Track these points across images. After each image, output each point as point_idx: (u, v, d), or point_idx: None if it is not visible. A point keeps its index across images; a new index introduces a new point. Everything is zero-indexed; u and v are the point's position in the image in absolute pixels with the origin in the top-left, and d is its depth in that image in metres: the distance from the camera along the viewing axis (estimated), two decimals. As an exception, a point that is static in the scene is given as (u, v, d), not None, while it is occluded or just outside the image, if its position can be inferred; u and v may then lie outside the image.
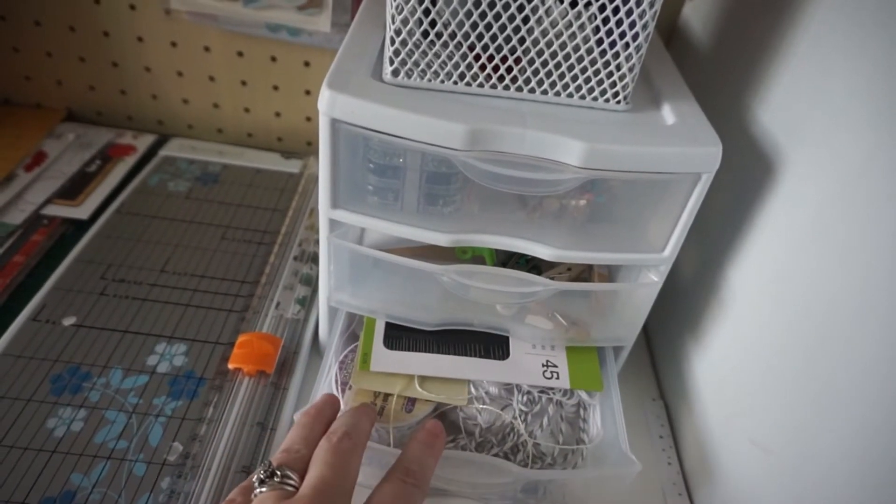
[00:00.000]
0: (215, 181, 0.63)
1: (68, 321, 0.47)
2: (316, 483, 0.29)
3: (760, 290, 0.40)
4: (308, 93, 0.66)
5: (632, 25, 0.36)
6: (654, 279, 0.41)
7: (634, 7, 0.35)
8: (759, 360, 0.39)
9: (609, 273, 0.46)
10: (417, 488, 0.32)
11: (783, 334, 0.37)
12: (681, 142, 0.36)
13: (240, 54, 0.63)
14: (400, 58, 0.37)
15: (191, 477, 0.38)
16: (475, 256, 0.46)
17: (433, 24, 0.36)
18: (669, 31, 0.59)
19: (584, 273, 0.46)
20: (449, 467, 0.39)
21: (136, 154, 0.66)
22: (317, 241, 0.57)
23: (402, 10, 0.35)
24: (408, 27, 0.36)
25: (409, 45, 0.36)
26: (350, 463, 0.31)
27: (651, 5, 0.35)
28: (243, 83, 0.66)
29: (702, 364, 0.45)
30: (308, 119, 0.68)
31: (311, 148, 0.70)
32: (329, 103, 0.35)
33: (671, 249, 0.39)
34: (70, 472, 0.38)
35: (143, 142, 0.67)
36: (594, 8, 0.36)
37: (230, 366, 0.45)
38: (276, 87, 0.66)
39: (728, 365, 0.42)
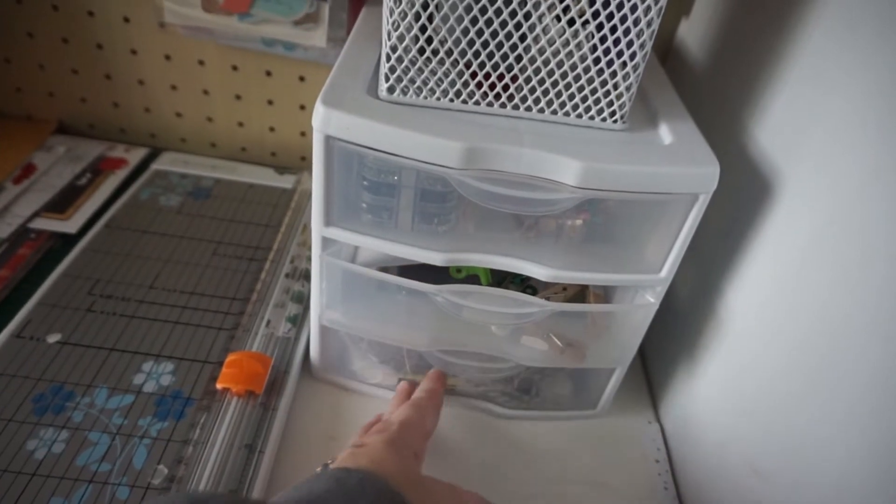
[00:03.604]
0: (207, 196, 0.62)
1: (53, 338, 0.46)
2: (401, 418, 0.37)
3: (758, 311, 0.39)
4: (303, 108, 0.65)
5: (629, 45, 0.35)
6: (651, 300, 0.41)
7: (632, 27, 0.35)
8: (757, 383, 0.38)
9: (605, 294, 0.46)
10: (430, 403, 0.40)
11: (782, 356, 0.36)
12: (678, 162, 0.36)
13: (234, 68, 0.63)
14: (395, 74, 0.36)
15: (175, 501, 0.37)
16: (469, 275, 0.45)
17: (429, 40, 0.36)
18: (665, 50, 0.59)
19: (579, 294, 0.45)
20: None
21: (127, 167, 0.65)
22: (309, 258, 0.56)
23: (399, 26, 0.35)
24: (404, 44, 0.35)
25: (405, 62, 0.36)
26: (427, 412, 0.40)
27: (648, 25, 0.35)
28: (237, 97, 0.65)
29: (699, 386, 0.45)
30: (302, 134, 0.67)
31: (305, 163, 0.70)
32: (323, 120, 0.34)
33: (668, 270, 0.39)
34: (50, 496, 0.37)
35: (136, 155, 0.67)
36: (591, 27, 0.35)
37: (218, 386, 0.44)
38: (270, 102, 0.65)
39: (726, 387, 0.41)
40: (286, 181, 0.66)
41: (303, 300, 0.52)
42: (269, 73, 0.63)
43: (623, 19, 0.35)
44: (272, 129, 0.68)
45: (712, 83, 0.49)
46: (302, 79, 0.63)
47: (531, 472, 0.45)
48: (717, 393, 0.43)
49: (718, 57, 0.50)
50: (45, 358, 0.44)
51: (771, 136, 0.40)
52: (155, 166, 0.65)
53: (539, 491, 0.44)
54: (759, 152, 0.41)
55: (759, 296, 0.39)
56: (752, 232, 0.40)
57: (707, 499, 0.42)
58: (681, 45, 0.57)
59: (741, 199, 0.41)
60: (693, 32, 0.55)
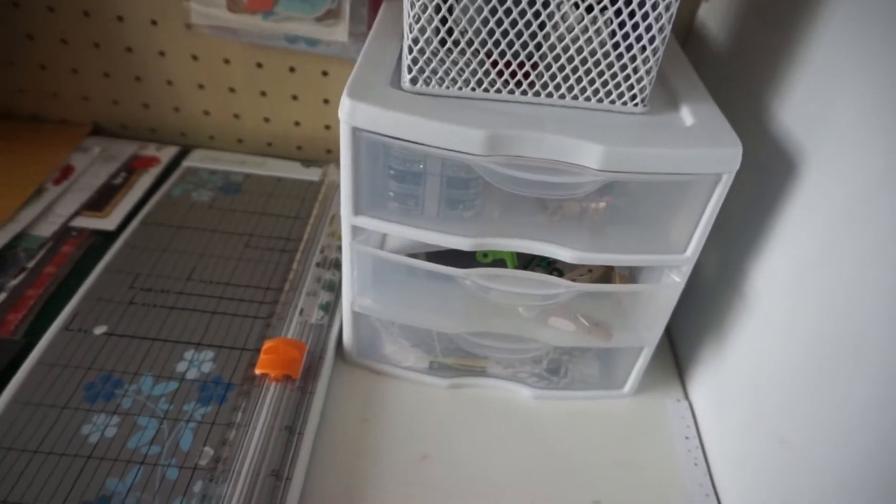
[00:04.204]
0: (237, 191, 0.64)
1: (99, 330, 0.48)
2: None
3: (783, 289, 0.39)
4: (326, 102, 0.67)
5: (648, 29, 0.36)
6: (676, 280, 0.41)
7: (650, 11, 0.35)
8: (784, 359, 0.39)
9: (630, 274, 0.46)
10: None
11: (807, 334, 0.36)
12: (700, 143, 0.36)
13: (259, 65, 0.64)
14: (418, 66, 0.37)
15: (222, 480, 0.39)
16: (496, 260, 0.46)
17: (450, 31, 0.37)
18: (686, 32, 0.59)
19: (605, 275, 0.46)
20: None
21: (159, 165, 0.67)
22: (338, 248, 0.57)
23: (420, 18, 0.36)
24: (425, 35, 0.36)
25: (427, 53, 0.37)
26: None
27: (667, 8, 0.35)
28: (263, 94, 0.67)
29: (726, 364, 0.45)
30: (327, 127, 0.69)
31: (330, 156, 0.71)
32: (349, 112, 0.36)
33: (693, 250, 0.40)
34: (105, 478, 0.39)
35: (167, 153, 0.69)
36: (610, 12, 0.36)
37: (257, 371, 0.45)
38: (294, 97, 0.67)
39: (753, 364, 0.42)
40: (313, 174, 0.67)
41: (334, 288, 0.53)
42: (292, 69, 0.64)
43: (641, 4, 0.35)
44: (297, 124, 0.69)
45: (733, 64, 0.49)
46: (325, 73, 0.64)
47: (561, 452, 0.46)
48: (744, 369, 0.43)
49: (739, 38, 0.50)
50: (93, 349, 0.47)
51: (794, 114, 0.40)
52: (186, 163, 0.67)
53: (570, 470, 0.45)
54: (783, 131, 0.41)
55: (784, 274, 0.40)
56: (777, 211, 0.40)
57: (737, 473, 0.42)
58: (701, 27, 0.57)
59: (764, 178, 0.42)
60: (713, 14, 0.55)
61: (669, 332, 0.55)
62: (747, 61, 0.47)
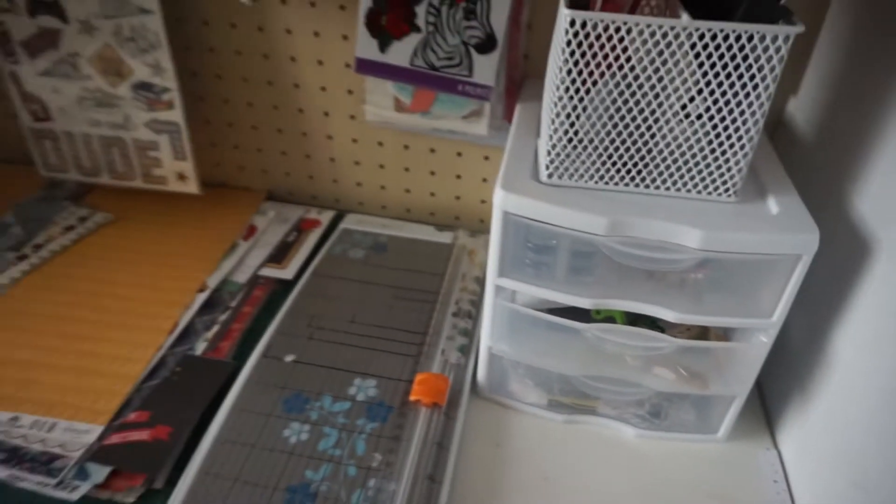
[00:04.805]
0: (384, 250, 0.77)
1: (289, 358, 0.62)
2: None
3: (861, 353, 0.46)
4: (459, 177, 0.80)
5: (739, 137, 0.46)
6: (764, 340, 0.49)
7: (741, 123, 0.45)
8: (860, 415, 0.45)
9: (724, 333, 0.55)
10: None
11: (881, 392, 0.43)
12: (783, 229, 0.45)
13: (406, 147, 0.79)
14: (553, 164, 0.49)
15: (390, 480, 0.50)
16: (607, 317, 0.56)
17: (580, 139, 0.48)
18: (775, 123, 0.67)
19: (702, 332, 0.54)
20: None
21: (321, 227, 0.82)
22: (470, 301, 0.69)
23: (557, 130, 0.48)
24: (561, 143, 0.48)
25: (560, 155, 0.48)
26: None
27: (755, 123, 0.45)
28: (406, 169, 0.81)
29: (811, 417, 0.52)
30: (457, 198, 0.82)
31: (458, 222, 0.84)
32: (502, 200, 0.47)
33: (778, 315, 0.48)
34: (304, 469, 0.51)
35: (326, 216, 0.84)
36: (708, 125, 0.46)
37: (411, 398, 0.57)
38: (432, 173, 0.80)
39: (834, 417, 0.49)
40: (445, 237, 0.80)
41: (467, 334, 0.65)
42: (432, 150, 0.78)
43: (733, 119, 0.45)
44: (432, 195, 0.83)
45: (818, 155, 0.58)
46: (459, 154, 0.78)
47: (659, 486, 0.54)
48: (826, 422, 0.50)
49: (823, 131, 0.58)
50: (285, 372, 0.60)
51: (870, 204, 0.48)
52: (342, 226, 0.81)
53: (667, 502, 0.52)
54: (859, 218, 0.48)
55: (863, 339, 0.47)
56: (855, 285, 0.48)
57: (820, 512, 0.49)
58: (790, 120, 0.65)
59: (844, 256, 0.49)
60: (800, 108, 0.63)
61: (760, 387, 0.62)
62: (830, 153, 0.55)
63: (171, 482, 0.51)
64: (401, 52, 0.62)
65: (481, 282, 0.72)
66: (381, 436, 0.54)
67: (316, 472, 0.51)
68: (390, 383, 0.59)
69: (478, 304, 0.69)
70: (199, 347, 0.64)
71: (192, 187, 0.79)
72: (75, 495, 0.50)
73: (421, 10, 0.60)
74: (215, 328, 0.66)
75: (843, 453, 0.47)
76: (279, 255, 0.77)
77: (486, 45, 0.61)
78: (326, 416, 0.56)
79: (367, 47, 0.63)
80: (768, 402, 0.60)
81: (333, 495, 0.50)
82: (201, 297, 0.69)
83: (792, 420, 0.55)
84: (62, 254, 0.74)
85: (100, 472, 0.52)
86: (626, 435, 0.57)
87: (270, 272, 0.74)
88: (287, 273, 0.74)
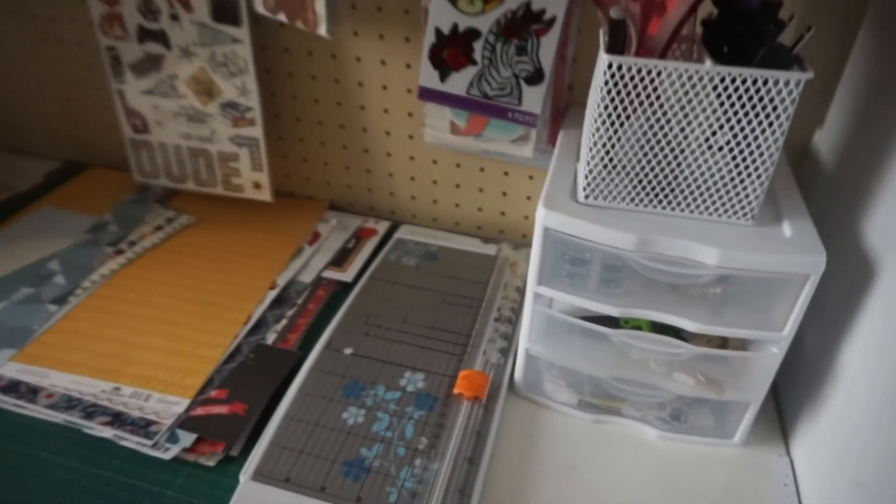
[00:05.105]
0: (435, 258, 0.85)
1: (348, 350, 0.69)
2: None
3: (868, 365, 0.51)
4: (505, 194, 0.87)
5: (756, 168, 0.51)
6: (775, 351, 0.54)
7: (758, 156, 0.51)
8: (864, 421, 0.50)
9: (741, 344, 0.60)
10: None
11: (887, 401, 0.48)
12: (793, 251, 0.50)
13: (458, 165, 0.86)
14: (590, 186, 0.55)
15: (434, 460, 0.57)
16: (634, 325, 0.62)
17: (614, 165, 0.54)
18: (801, 154, 0.72)
19: (721, 343, 0.60)
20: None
21: (377, 236, 0.90)
22: (511, 308, 0.76)
23: (595, 157, 0.54)
24: (598, 168, 0.54)
25: (597, 179, 0.55)
26: None
27: (771, 155, 0.51)
28: (457, 186, 0.89)
29: (820, 425, 0.56)
30: (502, 213, 0.89)
31: (502, 235, 0.91)
32: (544, 217, 0.54)
33: (789, 329, 0.53)
34: (360, 447, 0.59)
35: (382, 226, 0.92)
36: (729, 156, 0.52)
37: (455, 391, 0.64)
38: (481, 190, 0.88)
39: (841, 425, 0.53)
40: (490, 249, 0.87)
41: (507, 338, 0.71)
42: (482, 170, 0.85)
43: (750, 149, 0.51)
44: (479, 210, 0.90)
45: (837, 183, 0.62)
46: (506, 174, 0.85)
47: (677, 483, 0.59)
48: (834, 430, 0.54)
49: (842, 161, 0.62)
50: (344, 363, 0.68)
51: (877, 230, 0.53)
52: (397, 235, 0.89)
53: (683, 498, 0.57)
54: (868, 243, 0.53)
55: (869, 352, 0.51)
56: (861, 302, 0.52)
57: (826, 513, 0.53)
58: (815, 150, 0.70)
59: (853, 277, 0.54)
60: (824, 140, 0.68)
61: (777, 396, 0.66)
62: (848, 181, 0.60)
63: (246, 451, 0.59)
64: (458, 83, 0.70)
65: (521, 291, 0.78)
66: (428, 422, 0.61)
67: (369, 450, 0.59)
68: (437, 377, 0.66)
69: (518, 310, 0.75)
70: (270, 337, 0.72)
71: (265, 195, 0.88)
72: (168, 455, 0.59)
73: (478, 47, 0.67)
74: (284, 321, 0.74)
75: (847, 459, 0.52)
76: (340, 259, 0.85)
77: (535, 77, 0.68)
78: (380, 402, 0.63)
79: (429, 77, 0.71)
80: (783, 410, 0.65)
81: (384, 471, 0.57)
82: (272, 294, 0.78)
83: (803, 428, 0.59)
84: (152, 250, 0.85)
85: (187, 438, 0.60)
86: (649, 436, 0.63)
87: (332, 274, 0.82)
88: (347, 276, 0.82)
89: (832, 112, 0.67)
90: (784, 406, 0.65)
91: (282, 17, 0.69)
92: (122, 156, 0.93)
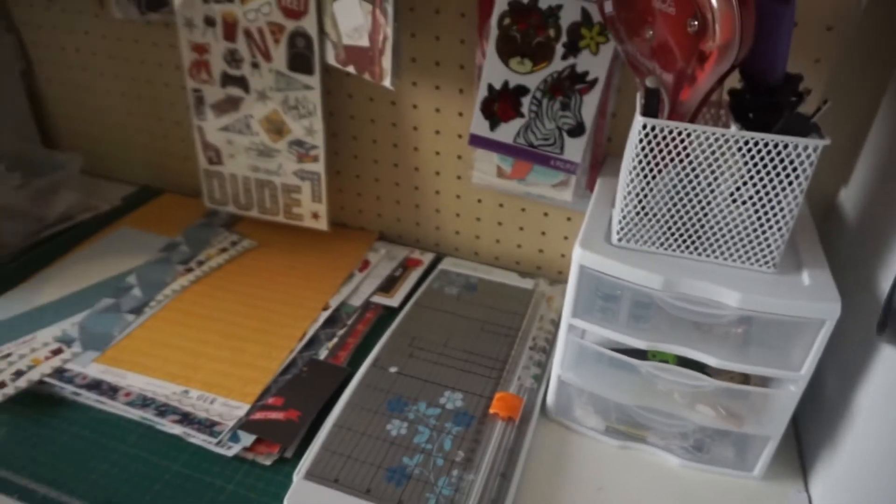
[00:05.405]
0: (475, 289, 0.91)
1: (393, 369, 0.76)
2: None
3: (880, 408, 0.55)
4: (543, 234, 0.93)
5: (776, 221, 0.57)
6: (793, 390, 0.59)
7: (777, 209, 0.56)
8: (875, 462, 0.54)
9: (761, 381, 0.64)
10: None
11: (891, 443, 0.52)
12: (810, 297, 0.55)
13: (500, 205, 0.93)
14: (623, 231, 0.61)
15: (469, 471, 0.63)
16: (661, 360, 0.66)
17: (646, 213, 0.60)
18: (827, 209, 0.77)
19: (743, 379, 0.64)
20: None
21: (422, 266, 0.97)
22: (545, 339, 0.81)
23: (628, 205, 0.60)
24: (630, 214, 0.60)
25: (630, 224, 0.61)
26: None
27: (791, 211, 0.56)
28: (499, 223, 0.95)
29: (836, 464, 0.60)
30: (540, 251, 0.95)
31: (539, 271, 0.97)
32: (581, 256, 0.60)
33: (806, 369, 0.57)
34: (402, 456, 0.64)
35: (427, 258, 0.99)
36: (751, 210, 0.57)
37: (491, 411, 0.69)
38: (521, 228, 0.94)
39: (855, 466, 0.57)
40: (527, 283, 0.93)
41: (541, 365, 0.77)
42: (523, 210, 0.92)
43: (771, 204, 0.56)
44: (519, 246, 0.96)
45: (858, 238, 0.67)
46: (546, 214, 0.91)
47: (699, 508, 0.63)
48: (848, 470, 0.58)
49: (864, 218, 0.67)
50: (389, 380, 0.74)
51: (891, 283, 0.57)
52: (440, 267, 0.96)
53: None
54: (881, 292, 0.58)
55: (881, 394, 0.55)
56: (875, 349, 0.57)
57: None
58: (840, 206, 0.75)
59: (868, 326, 0.58)
60: (849, 197, 0.73)
61: (798, 434, 0.70)
62: (868, 236, 0.64)
63: (298, 454, 0.66)
64: (507, 132, 0.77)
65: (556, 323, 0.84)
66: (465, 438, 0.67)
67: (411, 459, 0.64)
68: (474, 398, 0.72)
69: (552, 341, 0.81)
70: (322, 354, 0.79)
71: (322, 225, 0.96)
72: (230, 452, 0.65)
73: (526, 101, 0.75)
74: (335, 340, 0.81)
75: (861, 498, 0.55)
76: (387, 286, 0.92)
77: (576, 130, 0.75)
78: (421, 417, 0.69)
79: (480, 126, 0.78)
80: (804, 447, 0.68)
81: (424, 478, 0.62)
82: (324, 315, 0.85)
83: (822, 465, 0.63)
84: (218, 270, 0.93)
85: (247, 439, 0.67)
86: (671, 463, 0.67)
87: (380, 299, 0.89)
88: (393, 301, 0.89)
89: (857, 172, 0.72)
90: (804, 443, 0.69)
91: (351, 70, 0.78)
92: (192, 184, 1.03)
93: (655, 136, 0.56)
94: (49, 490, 0.62)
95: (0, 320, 0.81)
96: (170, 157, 1.12)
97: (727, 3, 0.49)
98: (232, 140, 0.93)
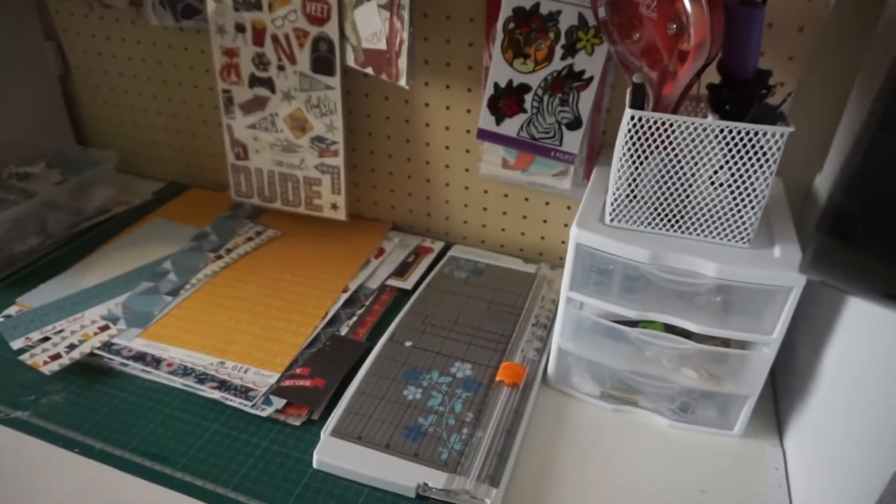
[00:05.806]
0: (482, 273, 0.98)
1: (408, 343, 0.83)
2: None
3: (845, 366, 0.62)
4: (545, 221, 1.00)
5: (750, 201, 0.64)
6: (766, 352, 0.66)
7: (751, 189, 0.63)
8: (838, 413, 0.61)
9: (741, 344, 0.71)
10: None
11: (862, 398, 0.59)
12: (778, 267, 0.62)
13: (505, 195, 1.00)
14: (615, 212, 0.68)
15: (479, 429, 0.70)
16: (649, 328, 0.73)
17: (635, 196, 0.68)
18: (804, 195, 0.84)
19: (725, 343, 0.71)
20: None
21: (433, 253, 1.04)
22: (546, 316, 0.88)
23: (619, 189, 0.67)
24: (621, 198, 0.68)
25: (621, 207, 0.68)
26: None
27: (763, 192, 0.63)
28: (504, 213, 1.03)
29: (806, 419, 0.67)
30: (542, 238, 1.02)
31: (541, 257, 1.04)
32: (577, 235, 0.67)
33: (777, 333, 0.64)
34: (417, 416, 0.72)
35: (437, 245, 1.06)
36: (728, 191, 0.65)
37: (497, 378, 0.77)
38: (524, 217, 1.01)
39: (820, 417, 0.64)
40: (530, 268, 1.00)
41: (542, 340, 0.84)
42: (526, 199, 0.99)
43: (745, 186, 0.63)
44: (522, 234, 1.03)
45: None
46: (547, 203, 0.98)
47: (682, 465, 0.70)
48: (814, 422, 0.65)
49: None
50: (404, 353, 0.81)
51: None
52: (450, 254, 1.03)
53: (681, 486, 0.68)
54: (845, 266, 0.65)
55: (846, 356, 0.62)
56: (838, 315, 0.64)
57: (804, 483, 0.63)
58: (815, 191, 0.81)
59: (833, 296, 0.65)
60: (822, 183, 0.80)
61: (776, 396, 0.77)
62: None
63: (324, 416, 0.73)
64: (511, 126, 0.85)
65: (556, 303, 0.90)
66: (474, 401, 0.74)
67: (425, 419, 0.72)
68: (482, 367, 0.79)
69: (552, 318, 0.88)
70: (343, 330, 0.87)
71: (341, 215, 1.04)
72: (264, 414, 0.73)
73: (528, 98, 0.82)
74: (354, 318, 0.89)
75: (823, 444, 0.62)
76: (401, 270, 0.99)
77: (574, 124, 0.82)
78: (434, 384, 0.77)
79: (486, 121, 0.86)
80: (780, 407, 0.75)
81: (437, 435, 0.70)
82: (344, 296, 0.93)
83: (794, 422, 0.70)
84: (245, 257, 1.01)
85: (279, 402, 0.74)
86: (660, 424, 0.74)
87: (394, 283, 0.97)
88: (407, 284, 0.96)
89: (829, 160, 0.79)
90: (780, 404, 0.75)
91: (369, 71, 0.86)
92: (217, 179, 1.11)
93: (642, 127, 0.63)
94: (105, 445, 0.70)
95: (50, 301, 0.89)
96: (197, 155, 1.20)
97: (699, 8, 0.56)
98: (258, 137, 1.01)
